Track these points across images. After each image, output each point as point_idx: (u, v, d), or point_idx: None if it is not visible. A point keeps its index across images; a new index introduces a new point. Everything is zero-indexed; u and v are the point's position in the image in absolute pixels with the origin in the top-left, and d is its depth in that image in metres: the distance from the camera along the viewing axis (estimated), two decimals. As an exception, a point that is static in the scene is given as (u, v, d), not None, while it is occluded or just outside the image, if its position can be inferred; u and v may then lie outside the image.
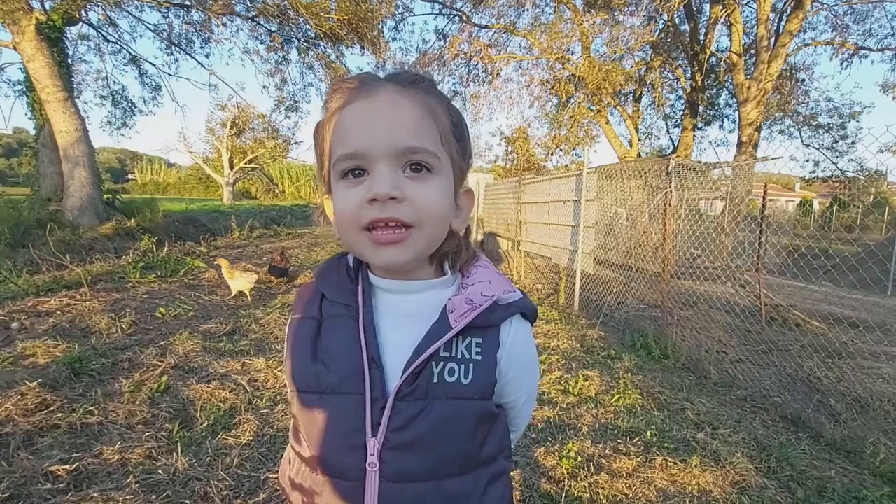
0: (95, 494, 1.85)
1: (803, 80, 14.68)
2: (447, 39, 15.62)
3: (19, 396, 2.48)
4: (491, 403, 0.65)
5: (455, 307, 0.62)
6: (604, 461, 2.37)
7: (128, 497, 1.85)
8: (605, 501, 2.06)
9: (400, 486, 0.60)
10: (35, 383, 2.59)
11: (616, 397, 3.12)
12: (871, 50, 13.16)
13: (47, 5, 9.01)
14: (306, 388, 0.64)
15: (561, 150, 16.45)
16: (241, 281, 5.19)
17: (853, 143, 14.22)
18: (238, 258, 8.14)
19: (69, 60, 9.82)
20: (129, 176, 49.56)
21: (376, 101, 0.57)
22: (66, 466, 1.99)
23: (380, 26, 13.70)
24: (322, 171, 0.65)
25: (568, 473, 2.23)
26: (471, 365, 0.62)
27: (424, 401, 0.60)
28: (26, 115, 9.81)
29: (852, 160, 14.48)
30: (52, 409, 2.45)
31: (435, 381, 0.61)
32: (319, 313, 0.67)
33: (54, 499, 1.83)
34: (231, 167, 29.20)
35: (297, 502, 0.68)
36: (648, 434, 2.64)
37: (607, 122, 15.34)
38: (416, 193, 0.57)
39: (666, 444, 2.54)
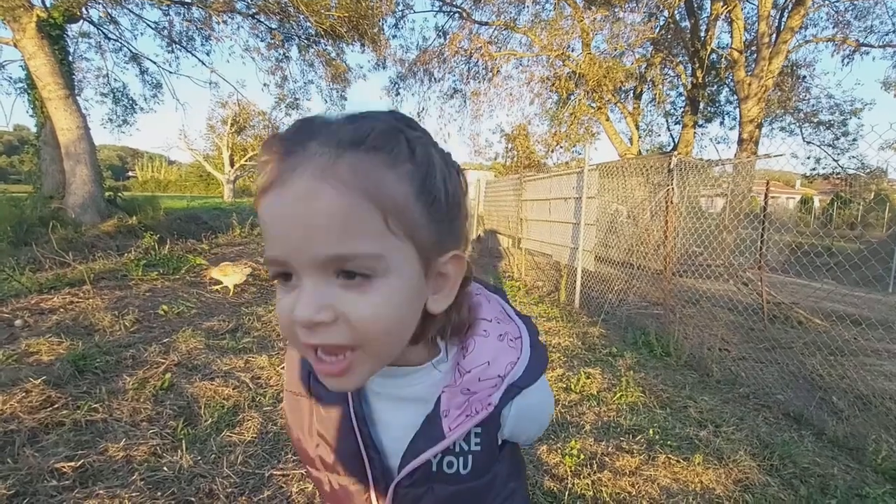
0: (101, 491, 1.86)
1: (804, 76, 14.68)
2: (447, 36, 15.62)
3: (24, 394, 2.48)
4: (490, 475, 0.64)
5: (448, 409, 0.57)
6: (607, 459, 2.37)
7: (133, 494, 1.86)
8: (608, 499, 2.07)
9: None
10: (39, 381, 2.60)
11: (618, 395, 3.12)
12: (872, 46, 13.14)
13: (48, 2, 9.00)
14: (311, 465, 0.65)
15: (561, 147, 16.46)
16: (234, 276, 5.33)
17: (854, 140, 14.22)
18: (239, 256, 8.15)
19: (70, 58, 9.81)
20: (130, 173, 49.59)
21: (291, 191, 0.43)
22: (72, 464, 2.00)
23: (380, 23, 13.71)
24: None
25: (571, 471, 2.24)
26: (469, 456, 0.60)
27: (424, 486, 0.60)
28: (27, 112, 9.83)
29: (853, 157, 14.48)
30: (56, 406, 2.46)
31: (434, 470, 0.59)
32: (307, 389, 0.63)
33: (60, 496, 1.83)
34: (232, 164, 29.23)
35: None
36: (651, 432, 2.64)
37: (608, 119, 15.34)
38: (351, 310, 0.45)
39: (669, 442, 2.55)
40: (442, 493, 0.60)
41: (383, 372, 0.55)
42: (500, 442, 0.63)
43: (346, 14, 11.60)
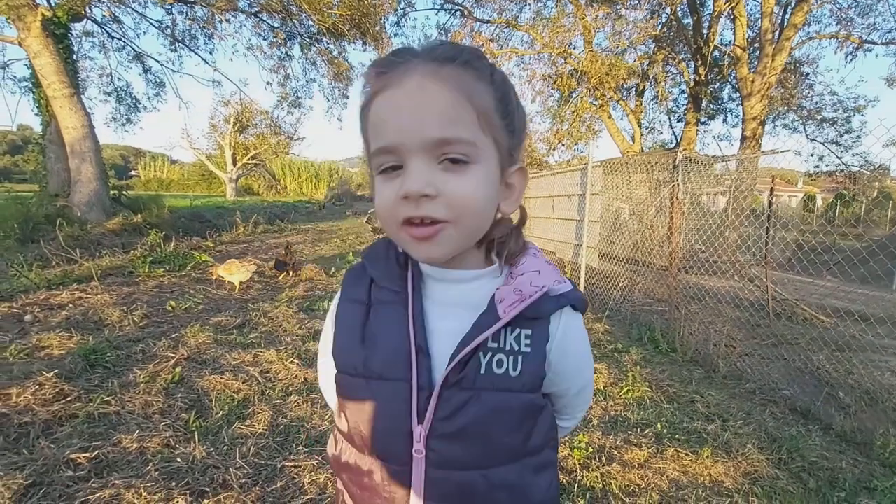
0: (117, 481, 1.88)
1: (808, 73, 14.62)
2: (449, 35, 15.57)
3: (37, 387, 2.51)
4: (539, 396, 0.65)
5: (503, 297, 0.61)
6: (615, 452, 2.39)
7: (148, 484, 1.88)
8: (617, 491, 2.08)
9: (446, 473, 0.61)
10: (52, 374, 2.63)
11: (625, 390, 3.14)
12: (875, 44, 13.08)
13: (53, 1, 9.02)
14: (353, 372, 0.65)
15: (563, 145, 16.44)
16: (240, 274, 5.36)
17: (858, 137, 14.17)
18: (244, 253, 8.17)
19: (74, 57, 9.83)
20: (133, 172, 49.70)
21: (404, 89, 0.53)
22: (87, 454, 2.02)
23: (382, 21, 13.69)
24: (366, 156, 0.63)
25: (580, 464, 2.26)
26: (519, 357, 0.61)
27: (471, 391, 0.60)
28: (32, 111, 9.86)
29: (857, 154, 14.44)
30: (69, 399, 2.48)
31: (482, 371, 0.60)
32: (368, 297, 0.66)
33: (76, 485, 1.85)
34: (234, 163, 29.25)
35: (346, 481, 0.69)
36: (659, 426, 2.65)
37: (610, 117, 15.31)
38: (452, 188, 0.54)
39: (677, 436, 2.56)
40: (489, 402, 0.60)
41: (447, 277, 0.64)
42: (547, 359, 0.63)
43: (349, 12, 11.61)
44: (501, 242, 0.65)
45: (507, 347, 0.61)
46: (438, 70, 0.54)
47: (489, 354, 0.60)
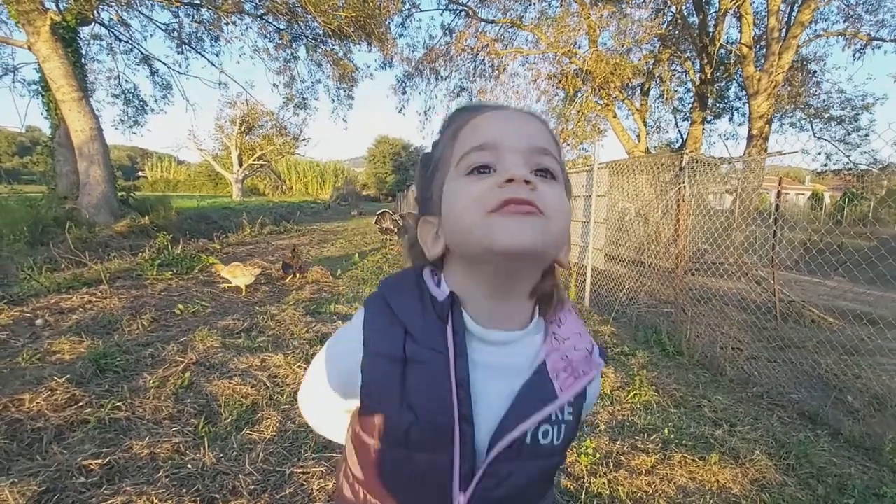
0: (128, 488, 1.90)
1: (815, 71, 14.51)
2: (454, 35, 15.58)
3: (49, 392, 2.54)
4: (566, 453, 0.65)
5: (558, 371, 0.60)
6: (622, 458, 2.39)
7: (159, 491, 1.90)
8: (625, 498, 2.08)
9: None
10: (63, 379, 2.66)
11: (632, 394, 3.14)
12: (883, 41, 12.97)
13: (61, 6, 9.10)
14: (393, 443, 0.59)
15: (568, 144, 16.40)
16: (244, 277, 5.41)
17: (866, 135, 14.05)
18: (250, 255, 8.22)
19: (83, 60, 9.92)
20: (140, 173, 50.03)
21: (511, 112, 0.60)
22: (99, 461, 2.05)
23: (387, 23, 13.73)
24: (430, 190, 0.62)
25: (587, 470, 2.26)
26: (563, 425, 0.61)
27: (517, 461, 0.58)
28: (42, 114, 9.97)
29: (865, 153, 14.32)
30: (80, 404, 2.51)
31: (528, 442, 0.58)
32: (403, 352, 0.58)
33: (89, 492, 1.88)
34: (240, 164, 29.41)
35: None
36: (666, 431, 2.65)
37: (615, 116, 15.26)
38: (547, 191, 0.55)
39: (684, 442, 2.56)
40: (532, 471, 0.60)
41: (486, 339, 0.60)
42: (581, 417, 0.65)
43: (354, 14, 11.64)
44: (549, 295, 0.63)
45: (553, 418, 0.60)
46: (538, 119, 0.61)
47: (534, 427, 0.59)
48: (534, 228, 0.53)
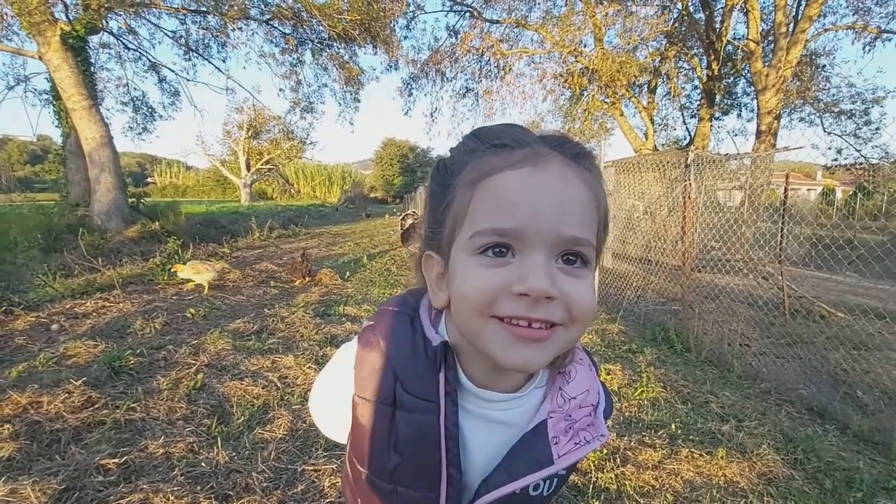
0: (145, 486, 1.95)
1: (824, 65, 14.34)
2: (459, 36, 15.61)
3: (66, 394, 2.61)
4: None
5: (558, 437, 0.56)
6: (629, 453, 2.41)
7: (175, 488, 1.95)
8: (632, 492, 2.10)
9: None
10: (80, 382, 2.73)
11: (639, 391, 3.15)
12: (894, 33, 12.79)
13: (70, 15, 9.26)
14: (380, 476, 0.60)
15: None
16: (207, 274, 5.49)
17: (877, 129, 13.87)
18: (259, 259, 8.31)
19: (92, 69, 10.08)
20: (149, 180, 50.66)
21: (546, 174, 0.48)
22: (116, 460, 2.10)
23: (392, 25, 13.79)
24: (440, 229, 0.55)
25: (594, 465, 2.28)
26: (556, 479, 0.59)
27: None
28: (53, 123, 10.14)
29: (877, 147, 14.13)
30: (97, 406, 2.57)
31: (517, 491, 0.57)
32: (393, 398, 0.57)
33: (107, 490, 1.93)
34: (248, 169, 29.65)
35: None
36: (673, 427, 2.66)
37: (622, 115, 15.21)
38: (572, 292, 0.48)
39: (691, 437, 2.57)
40: None
41: (493, 398, 0.57)
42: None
43: (359, 17, 11.72)
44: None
45: (547, 474, 0.57)
46: (573, 165, 0.50)
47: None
48: (543, 352, 0.49)
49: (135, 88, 14.32)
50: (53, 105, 9.93)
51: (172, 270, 5.73)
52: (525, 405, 0.58)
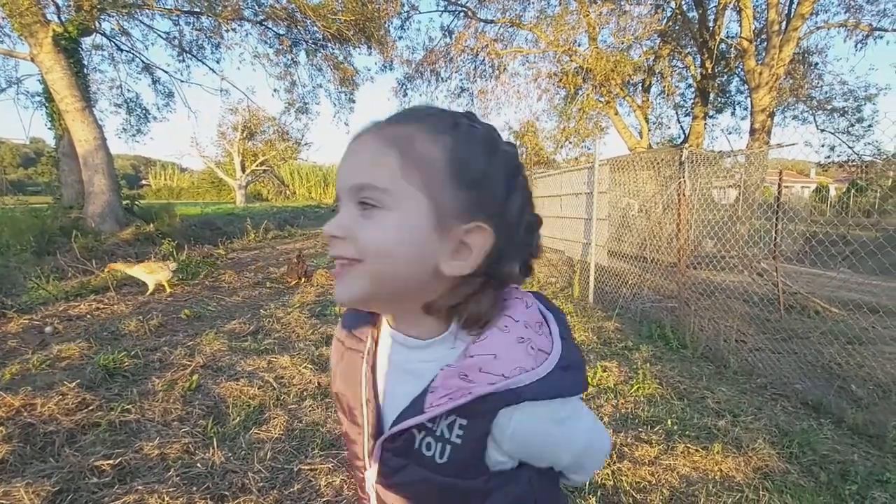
0: (140, 487, 1.94)
1: (816, 63, 14.42)
2: (453, 36, 15.61)
3: (60, 396, 2.59)
4: (478, 482, 0.59)
5: (437, 388, 0.57)
6: (626, 449, 2.41)
7: (170, 489, 1.94)
8: (628, 488, 2.10)
9: None
10: (74, 384, 2.71)
11: (635, 387, 3.15)
12: (885, 31, 12.87)
13: (63, 17, 9.20)
14: (338, 405, 0.73)
15: (570, 142, 16.42)
16: (161, 273, 5.37)
17: (870, 126, 13.97)
18: (255, 260, 8.29)
19: (85, 70, 10.02)
20: (143, 182, 50.39)
21: (352, 143, 0.58)
22: (110, 461, 2.09)
23: (386, 25, 13.77)
24: None
25: (591, 461, 2.28)
26: (448, 446, 0.57)
27: (404, 459, 0.60)
28: (46, 125, 10.10)
29: (869, 144, 14.23)
30: (91, 408, 2.56)
31: (415, 446, 0.59)
32: (344, 339, 0.72)
33: (101, 491, 1.92)
34: (243, 170, 29.56)
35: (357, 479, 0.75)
36: (669, 422, 2.67)
37: (616, 113, 15.24)
38: (359, 232, 0.54)
39: (687, 432, 2.58)
40: (416, 476, 0.60)
41: (402, 342, 0.63)
42: (486, 448, 0.57)
43: (353, 17, 11.69)
44: (454, 307, 0.58)
45: (438, 433, 0.57)
46: (388, 125, 0.57)
47: (423, 433, 0.58)
48: (344, 286, 0.56)
49: (128, 90, 14.27)
50: (46, 107, 9.85)
51: (107, 270, 5.36)
52: (435, 355, 0.60)
